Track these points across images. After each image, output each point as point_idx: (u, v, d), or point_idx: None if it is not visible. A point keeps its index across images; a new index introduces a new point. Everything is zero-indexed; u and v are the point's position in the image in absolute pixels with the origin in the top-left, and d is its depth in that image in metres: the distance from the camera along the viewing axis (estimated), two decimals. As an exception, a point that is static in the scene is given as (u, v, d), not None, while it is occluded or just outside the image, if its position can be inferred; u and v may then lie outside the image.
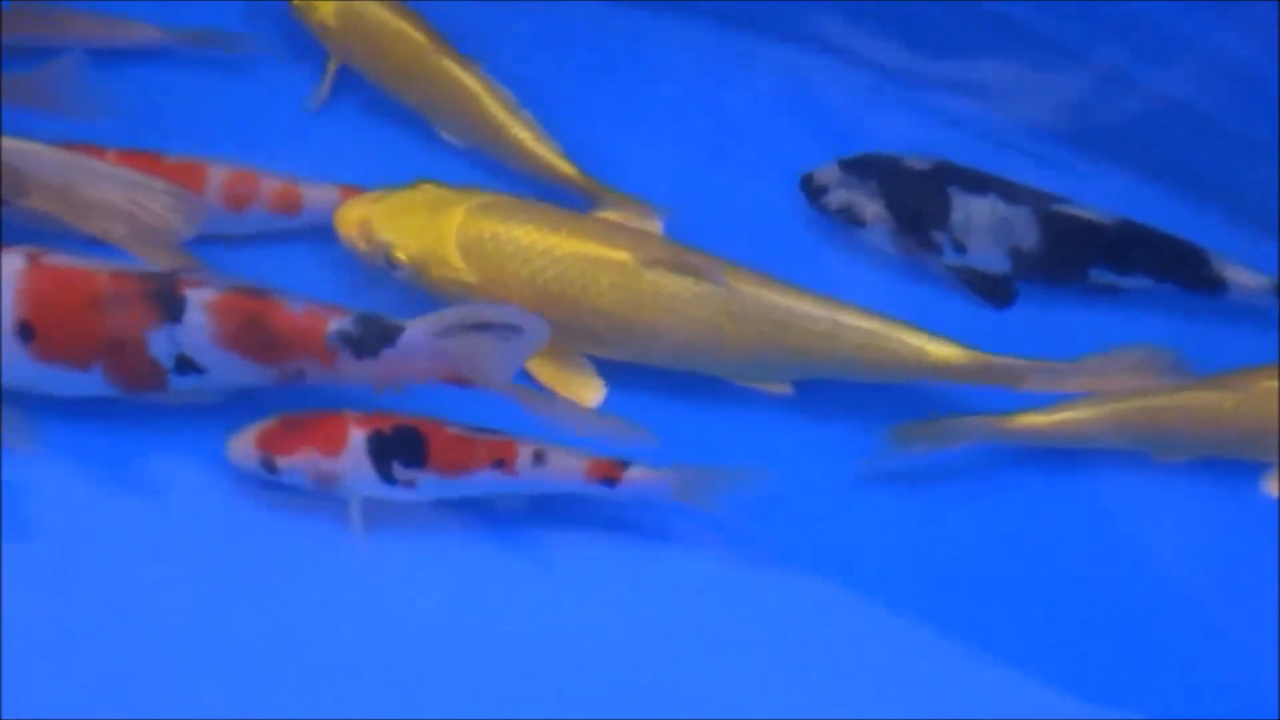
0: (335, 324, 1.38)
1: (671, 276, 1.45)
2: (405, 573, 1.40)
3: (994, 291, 1.55)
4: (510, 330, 1.34)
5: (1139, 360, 1.44)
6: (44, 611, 1.36)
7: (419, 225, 1.47)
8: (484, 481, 1.38)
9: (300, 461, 1.38)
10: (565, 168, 1.57)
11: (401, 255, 1.47)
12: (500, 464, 1.37)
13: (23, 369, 1.40)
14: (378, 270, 1.48)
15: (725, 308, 1.45)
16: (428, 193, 1.50)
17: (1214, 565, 1.46)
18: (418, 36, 1.59)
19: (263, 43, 1.64)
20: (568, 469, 1.38)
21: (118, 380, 1.41)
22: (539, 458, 1.37)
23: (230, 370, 1.40)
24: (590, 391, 1.47)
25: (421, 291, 1.48)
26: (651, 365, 1.47)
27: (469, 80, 1.58)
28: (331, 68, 1.61)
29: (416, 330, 1.37)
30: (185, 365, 1.40)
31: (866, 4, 1.67)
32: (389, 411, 1.40)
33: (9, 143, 1.44)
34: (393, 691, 1.35)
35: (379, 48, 1.59)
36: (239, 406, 1.42)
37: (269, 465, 1.39)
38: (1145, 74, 1.63)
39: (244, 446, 1.39)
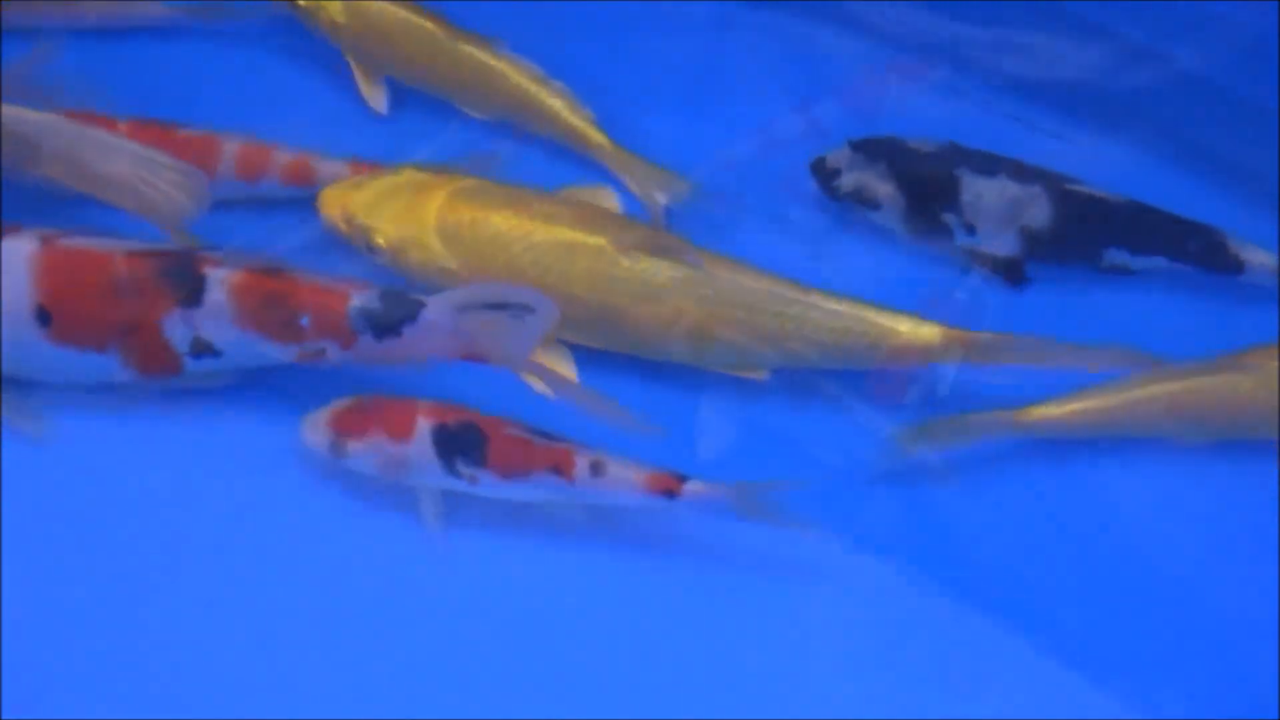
0: (357, 300, 1.38)
1: (647, 262, 1.44)
2: (455, 566, 1.40)
3: (1006, 273, 1.53)
4: (523, 310, 1.35)
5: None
6: (70, 605, 1.38)
7: (399, 210, 1.48)
8: (542, 487, 1.38)
9: (370, 446, 1.39)
10: (596, 137, 1.57)
11: (380, 240, 1.47)
12: (558, 471, 1.37)
13: (39, 353, 1.40)
14: (360, 253, 1.49)
15: (699, 293, 1.44)
16: (409, 177, 1.50)
17: (1230, 546, 1.45)
18: (432, 24, 1.59)
19: (262, 13, 1.64)
20: (626, 481, 1.37)
21: (134, 362, 1.41)
22: (597, 468, 1.37)
23: (250, 350, 1.40)
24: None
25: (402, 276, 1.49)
26: (630, 352, 1.47)
27: (493, 60, 1.58)
28: (354, 64, 1.61)
29: (438, 306, 1.37)
30: (202, 347, 1.40)
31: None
32: (459, 405, 1.40)
33: (22, 112, 1.45)
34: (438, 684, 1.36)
35: (394, 39, 1.59)
36: (305, 391, 1.43)
37: (340, 447, 1.39)
38: (1161, 48, 1.61)
39: (317, 427, 1.40)
